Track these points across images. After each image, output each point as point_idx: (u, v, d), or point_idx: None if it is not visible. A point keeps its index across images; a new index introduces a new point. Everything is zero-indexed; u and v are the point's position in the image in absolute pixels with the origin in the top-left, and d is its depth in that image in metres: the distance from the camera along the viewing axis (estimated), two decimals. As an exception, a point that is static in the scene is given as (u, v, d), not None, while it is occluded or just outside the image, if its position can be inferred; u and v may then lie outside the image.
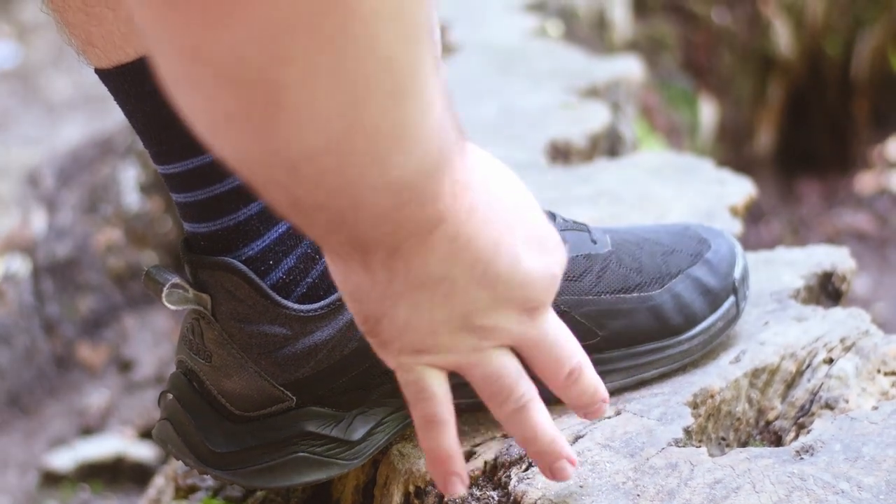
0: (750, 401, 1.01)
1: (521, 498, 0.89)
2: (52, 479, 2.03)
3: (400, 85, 0.62)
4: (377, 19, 0.59)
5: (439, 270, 0.72)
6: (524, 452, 0.92)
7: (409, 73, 0.62)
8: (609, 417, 0.96)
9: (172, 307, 0.89)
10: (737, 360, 1.02)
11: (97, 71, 0.89)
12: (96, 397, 2.20)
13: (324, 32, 0.57)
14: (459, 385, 0.81)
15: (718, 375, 1.00)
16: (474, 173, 0.72)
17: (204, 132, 0.62)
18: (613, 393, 0.98)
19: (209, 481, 1.07)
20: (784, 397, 1.02)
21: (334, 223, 0.68)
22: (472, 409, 0.93)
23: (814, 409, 1.00)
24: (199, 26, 0.56)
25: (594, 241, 0.98)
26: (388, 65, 0.61)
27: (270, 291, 0.89)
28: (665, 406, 0.97)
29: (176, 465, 1.09)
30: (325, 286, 0.91)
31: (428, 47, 0.63)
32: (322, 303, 0.90)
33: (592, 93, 1.79)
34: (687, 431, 0.94)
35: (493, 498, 0.91)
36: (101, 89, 0.91)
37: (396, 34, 0.60)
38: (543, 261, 0.76)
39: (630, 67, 1.92)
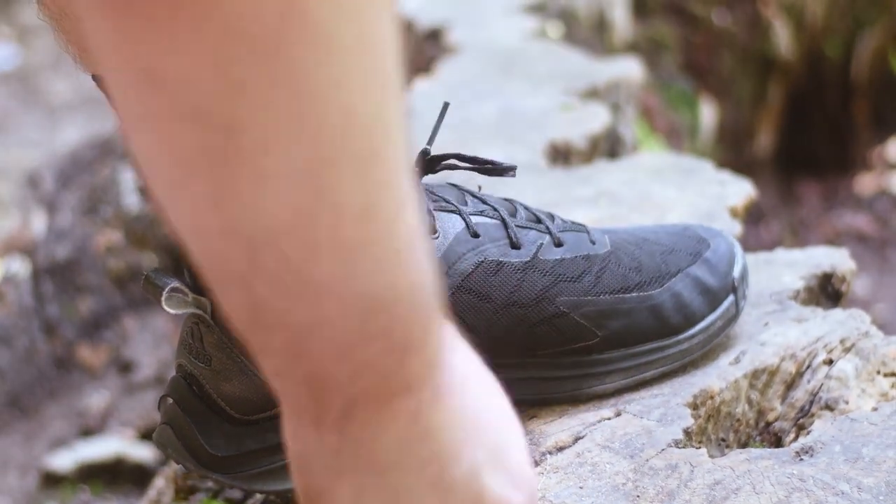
0: (750, 402, 1.01)
1: (521, 499, 0.89)
2: (52, 480, 2.03)
3: (367, 144, 0.54)
4: (335, 43, 0.51)
5: (392, 454, 0.64)
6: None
7: (377, 131, 0.54)
8: (609, 419, 0.96)
9: (172, 311, 0.89)
10: (736, 360, 1.01)
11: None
12: (96, 398, 2.20)
13: (279, 57, 0.50)
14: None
15: (718, 376, 1.00)
16: (453, 355, 0.64)
17: (160, 189, 0.57)
18: (613, 394, 0.98)
19: (209, 483, 1.07)
20: (784, 398, 1.02)
21: (294, 349, 0.60)
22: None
23: (813, 410, 1.00)
24: (152, 40, 0.50)
25: (593, 242, 0.98)
26: (350, 115, 0.53)
27: (270, 294, 0.89)
28: (665, 407, 0.97)
29: (176, 467, 1.09)
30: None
31: (400, 115, 0.55)
32: (321, 304, 0.90)
33: (592, 94, 1.78)
34: (687, 432, 0.94)
35: (492, 499, 0.91)
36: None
37: (360, 77, 0.52)
38: (505, 492, 0.66)
39: (630, 69, 1.92)
